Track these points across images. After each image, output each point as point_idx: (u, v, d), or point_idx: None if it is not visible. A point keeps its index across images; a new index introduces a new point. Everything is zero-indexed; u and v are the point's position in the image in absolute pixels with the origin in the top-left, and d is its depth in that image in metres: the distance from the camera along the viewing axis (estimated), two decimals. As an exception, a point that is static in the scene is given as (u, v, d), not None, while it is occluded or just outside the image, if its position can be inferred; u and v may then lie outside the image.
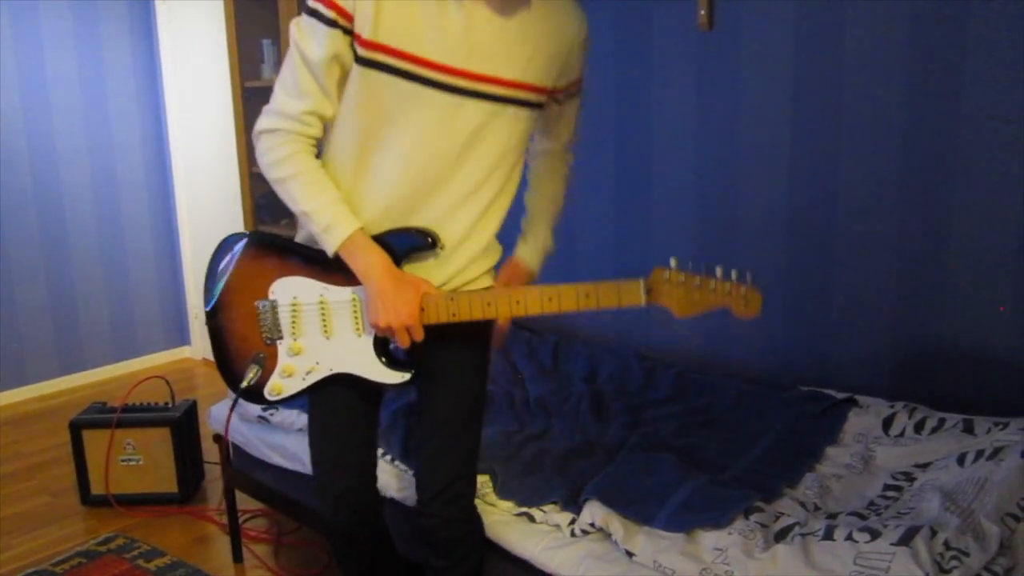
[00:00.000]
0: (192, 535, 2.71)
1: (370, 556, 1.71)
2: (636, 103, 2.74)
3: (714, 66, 2.54)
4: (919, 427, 1.96)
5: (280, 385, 1.55)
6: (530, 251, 1.72)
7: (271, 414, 2.32)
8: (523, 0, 1.42)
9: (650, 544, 1.61)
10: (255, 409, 2.33)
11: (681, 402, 2.30)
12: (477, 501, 1.84)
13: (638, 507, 1.70)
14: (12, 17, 3.78)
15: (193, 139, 4.28)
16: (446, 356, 1.56)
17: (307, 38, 1.38)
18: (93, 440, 2.82)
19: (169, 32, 4.19)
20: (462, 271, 1.52)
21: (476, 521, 1.67)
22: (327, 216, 1.42)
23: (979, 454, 1.74)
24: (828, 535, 1.51)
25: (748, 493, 1.70)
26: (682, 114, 2.64)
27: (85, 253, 4.17)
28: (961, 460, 1.75)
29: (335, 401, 1.58)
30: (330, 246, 1.43)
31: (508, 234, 1.66)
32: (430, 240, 1.45)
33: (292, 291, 1.52)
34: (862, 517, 1.64)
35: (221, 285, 1.58)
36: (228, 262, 1.58)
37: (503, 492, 1.85)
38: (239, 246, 1.58)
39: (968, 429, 1.89)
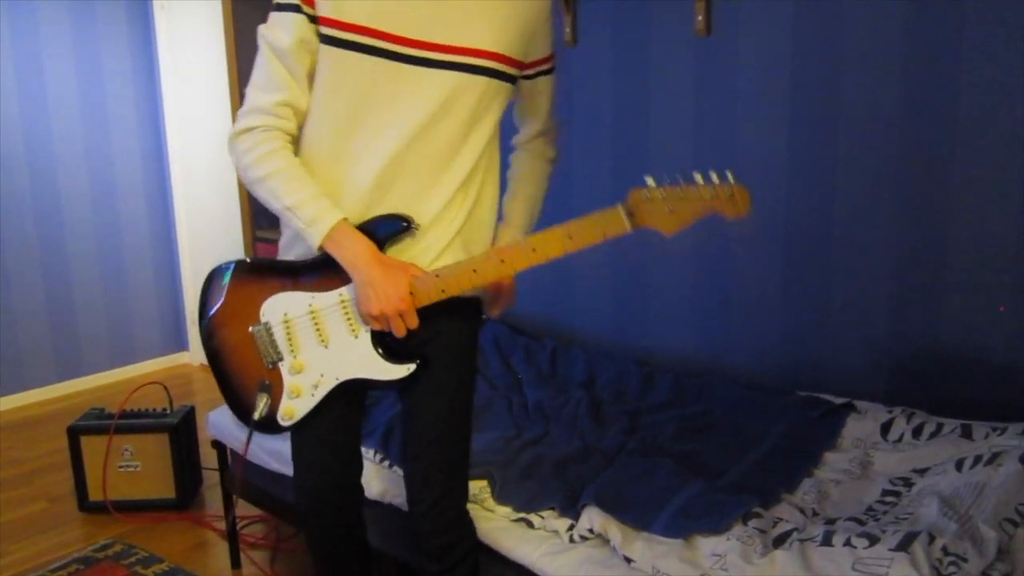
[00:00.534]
0: (190, 541, 2.70)
1: (344, 548, 1.72)
2: (634, 109, 2.75)
3: (712, 72, 2.54)
4: (917, 432, 1.97)
5: (291, 408, 1.52)
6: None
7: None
8: None
9: (648, 550, 1.61)
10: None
11: (679, 407, 2.30)
12: (475, 507, 1.84)
13: (636, 513, 1.70)
14: (11, 23, 3.79)
15: (191, 145, 4.28)
16: (431, 367, 1.53)
17: (275, 29, 1.41)
18: (91, 446, 2.81)
19: (168, 38, 4.20)
20: (440, 255, 1.48)
21: (468, 526, 1.66)
22: (310, 209, 1.41)
23: (977, 459, 1.74)
24: (826, 541, 1.51)
25: (746, 499, 1.70)
26: (680, 119, 2.65)
27: (83, 259, 4.17)
28: (959, 465, 1.75)
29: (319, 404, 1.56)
30: (315, 239, 1.42)
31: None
32: (404, 224, 1.44)
33: (282, 308, 1.51)
34: (860, 522, 1.64)
35: (212, 321, 1.56)
36: (215, 297, 1.56)
37: (501, 497, 1.85)
38: (222, 279, 1.56)
39: (966, 434, 1.89)
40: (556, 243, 1.39)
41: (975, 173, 2.09)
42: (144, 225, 4.39)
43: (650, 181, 1.33)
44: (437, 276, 1.43)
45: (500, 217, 1.64)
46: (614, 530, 1.66)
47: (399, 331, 1.44)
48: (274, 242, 1.74)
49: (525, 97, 1.61)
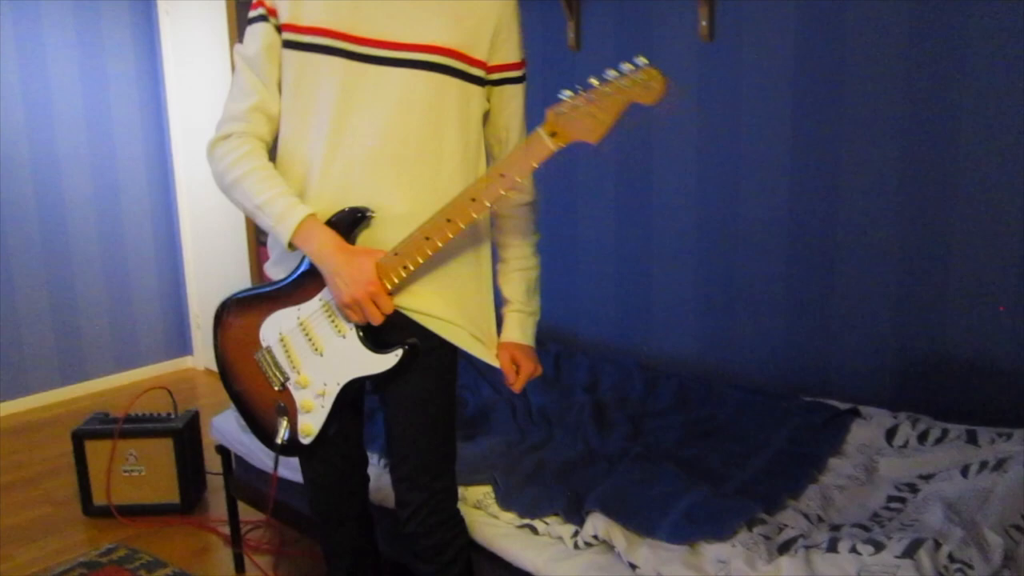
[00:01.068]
0: (194, 546, 2.70)
1: (359, 553, 1.76)
2: (636, 113, 2.75)
3: (715, 77, 2.54)
4: (922, 438, 1.96)
5: (307, 424, 1.54)
6: (512, 326, 1.65)
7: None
8: None
9: (653, 556, 1.60)
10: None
11: (683, 412, 2.30)
12: (479, 512, 1.84)
13: (640, 518, 1.70)
14: (15, 27, 3.80)
15: (196, 149, 4.29)
16: (408, 373, 1.53)
17: (246, 41, 1.48)
18: (95, 450, 2.82)
19: (172, 43, 4.22)
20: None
21: (459, 526, 1.67)
22: (277, 206, 1.44)
23: (983, 465, 1.74)
24: (832, 547, 1.51)
25: (750, 504, 1.70)
26: (683, 124, 2.65)
27: (87, 263, 4.18)
28: (965, 471, 1.74)
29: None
30: (284, 236, 1.45)
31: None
32: (360, 214, 1.45)
33: (276, 328, 1.54)
34: (866, 529, 1.64)
35: (224, 363, 1.61)
36: (220, 338, 1.61)
37: (505, 503, 1.85)
38: (222, 316, 1.61)
39: (972, 440, 1.89)
40: (491, 188, 1.38)
41: (979, 178, 2.09)
42: (148, 229, 4.40)
43: (566, 93, 1.32)
44: (396, 254, 1.43)
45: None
46: (618, 536, 1.66)
47: (375, 317, 1.44)
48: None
49: (494, 108, 1.56)
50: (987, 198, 2.08)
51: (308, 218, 1.44)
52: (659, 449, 2.06)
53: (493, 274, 1.64)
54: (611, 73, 1.28)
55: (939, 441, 1.93)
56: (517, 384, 1.64)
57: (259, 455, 2.38)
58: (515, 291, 1.66)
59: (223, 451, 2.52)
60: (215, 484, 2.99)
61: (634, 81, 1.26)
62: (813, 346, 2.45)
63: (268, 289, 1.57)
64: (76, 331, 4.16)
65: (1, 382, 3.92)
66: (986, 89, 2.05)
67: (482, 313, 1.60)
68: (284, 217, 1.44)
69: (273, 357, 1.55)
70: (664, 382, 2.47)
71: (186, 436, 2.84)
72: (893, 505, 1.74)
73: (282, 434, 1.55)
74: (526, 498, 1.85)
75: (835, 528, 1.66)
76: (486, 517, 1.84)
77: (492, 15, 1.47)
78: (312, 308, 1.51)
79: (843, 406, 2.17)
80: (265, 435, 1.60)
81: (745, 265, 2.57)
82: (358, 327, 1.48)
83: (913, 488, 1.79)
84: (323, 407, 1.52)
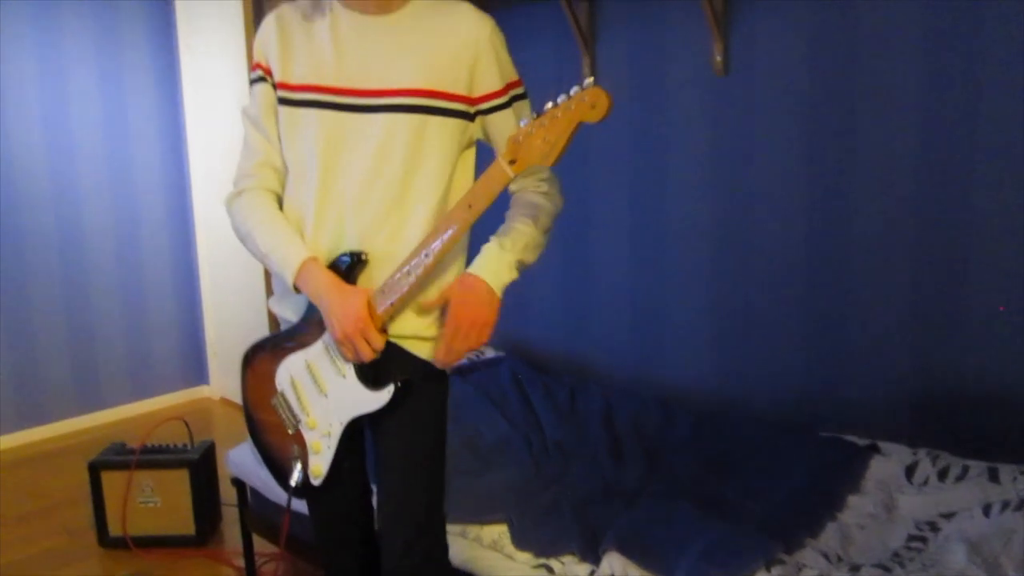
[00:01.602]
0: (208, 578, 2.70)
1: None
2: (651, 147, 2.76)
3: (730, 110, 2.55)
4: (943, 475, 1.94)
5: (317, 465, 1.56)
6: (487, 257, 1.50)
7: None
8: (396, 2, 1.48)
9: (670, 596, 1.59)
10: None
11: (699, 446, 2.28)
12: (496, 554, 1.83)
13: (658, 557, 1.68)
14: (39, 64, 3.88)
15: (214, 179, 4.33)
16: (398, 413, 1.54)
17: (249, 102, 1.58)
18: (111, 481, 2.83)
19: (192, 76, 4.28)
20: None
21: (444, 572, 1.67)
22: (281, 250, 1.51)
23: (1006, 504, 1.71)
24: (852, 589, 1.49)
25: (769, 544, 1.68)
26: (697, 157, 2.66)
27: (105, 292, 4.21)
28: (987, 510, 1.72)
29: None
30: (289, 279, 1.51)
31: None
32: (355, 257, 1.50)
33: (288, 374, 1.59)
34: (886, 569, 1.62)
35: (249, 413, 1.67)
36: (244, 390, 1.67)
37: (520, 542, 1.84)
38: (245, 368, 1.67)
39: (993, 478, 1.86)
40: (460, 218, 1.42)
41: (995, 207, 2.08)
42: (166, 258, 4.44)
43: (524, 120, 1.36)
44: (382, 291, 1.48)
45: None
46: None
47: (366, 354, 1.46)
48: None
49: (492, 136, 1.58)
50: (1003, 226, 2.07)
51: (308, 261, 1.49)
52: (676, 484, 2.05)
53: None
54: (561, 96, 1.32)
55: (960, 479, 1.91)
56: (439, 350, 1.50)
57: (275, 488, 2.37)
58: (504, 226, 1.56)
59: (239, 484, 2.53)
60: (231, 516, 2.98)
61: (580, 102, 1.30)
62: (830, 378, 2.43)
63: (281, 334, 1.62)
64: (93, 360, 4.19)
65: (19, 410, 3.94)
66: (1002, 117, 2.04)
67: None
68: (287, 261, 1.50)
69: (287, 401, 1.59)
70: (681, 416, 2.46)
71: (201, 468, 2.85)
72: (914, 544, 1.72)
73: (295, 477, 1.58)
74: (542, 536, 1.83)
75: (855, 568, 1.64)
76: (502, 558, 1.83)
77: (466, 52, 1.50)
78: (317, 350, 1.55)
79: (862, 442, 2.14)
80: (283, 479, 1.63)
81: (760, 297, 2.56)
82: (355, 365, 1.51)
83: (934, 527, 1.77)
84: (329, 448, 1.55)
